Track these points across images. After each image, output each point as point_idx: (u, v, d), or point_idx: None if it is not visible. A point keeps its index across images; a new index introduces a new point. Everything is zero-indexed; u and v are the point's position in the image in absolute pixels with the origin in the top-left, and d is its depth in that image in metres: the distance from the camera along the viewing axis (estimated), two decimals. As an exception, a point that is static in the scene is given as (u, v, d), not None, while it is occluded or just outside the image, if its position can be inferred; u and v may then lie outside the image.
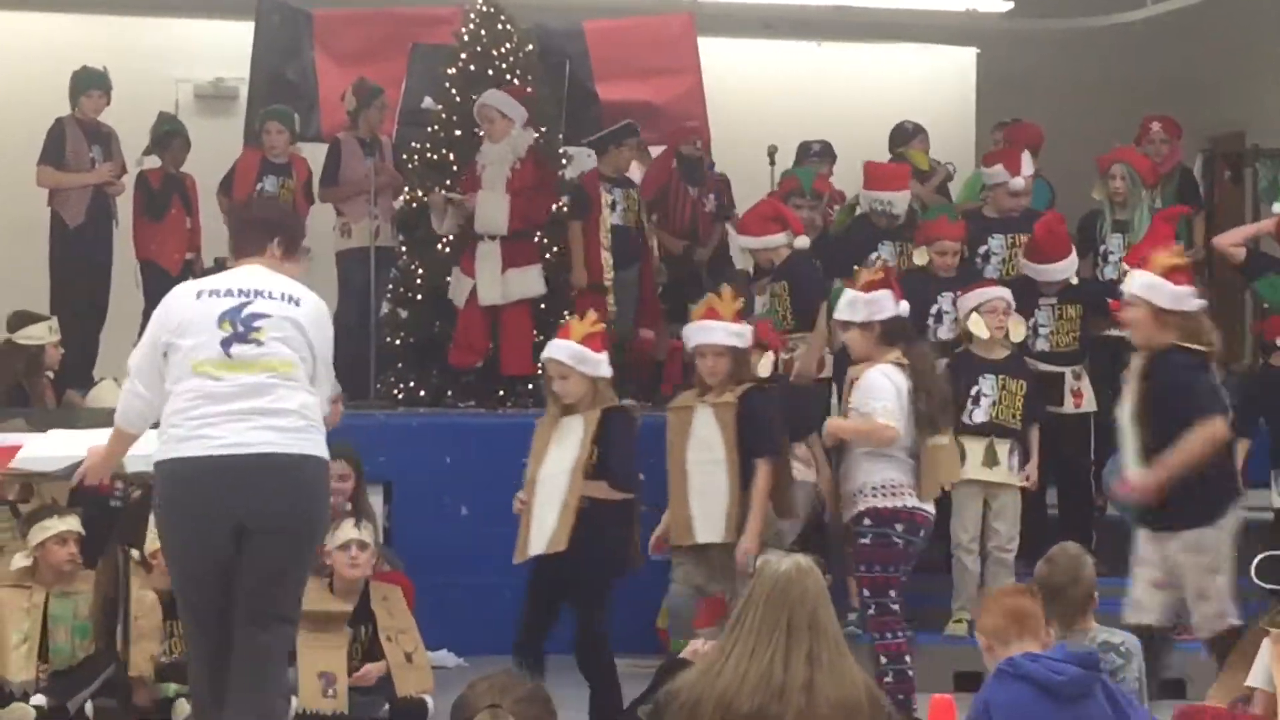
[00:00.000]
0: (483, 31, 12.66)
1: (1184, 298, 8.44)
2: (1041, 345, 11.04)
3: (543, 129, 12.51)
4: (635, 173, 13.21)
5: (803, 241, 11.29)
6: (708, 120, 13.69)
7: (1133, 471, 8.41)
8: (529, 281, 12.09)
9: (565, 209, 12.36)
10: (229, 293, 7.03)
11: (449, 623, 9.85)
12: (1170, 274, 8.46)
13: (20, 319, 10.96)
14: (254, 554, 6.81)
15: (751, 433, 9.40)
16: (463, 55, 12.62)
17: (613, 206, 12.62)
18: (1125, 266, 10.90)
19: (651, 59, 13.82)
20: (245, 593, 6.83)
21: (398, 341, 12.51)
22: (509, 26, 12.74)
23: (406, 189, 12.60)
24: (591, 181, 12.62)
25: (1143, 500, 8.40)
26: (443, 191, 12.14)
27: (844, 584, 10.41)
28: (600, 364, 9.14)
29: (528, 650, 8.93)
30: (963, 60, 16.93)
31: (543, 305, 12.16)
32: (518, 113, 12.11)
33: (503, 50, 12.62)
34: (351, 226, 12.97)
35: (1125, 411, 8.50)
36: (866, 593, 9.38)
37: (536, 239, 12.21)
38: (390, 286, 12.67)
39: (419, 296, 12.40)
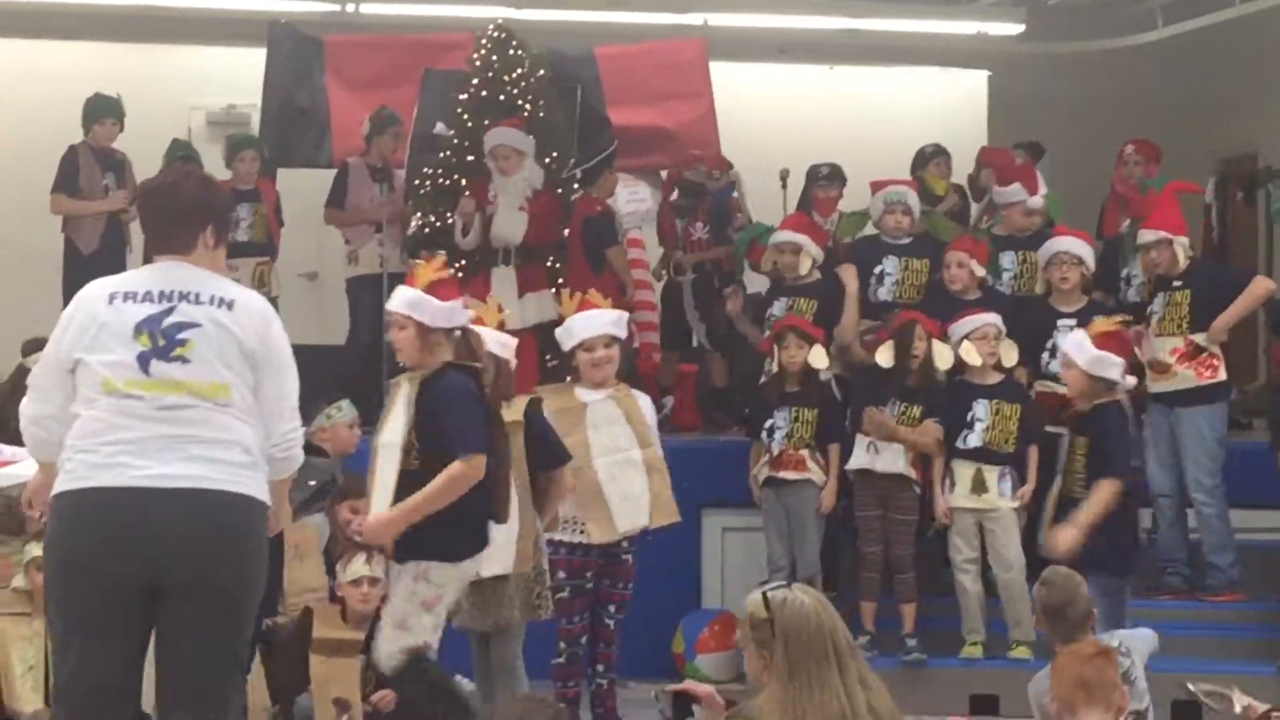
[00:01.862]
0: (495, 57, 12.66)
1: (450, 313, 7.68)
2: (1058, 368, 10.98)
3: (554, 154, 12.52)
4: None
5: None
6: (719, 145, 13.69)
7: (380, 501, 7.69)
8: (545, 306, 12.10)
9: (600, 234, 12.52)
10: (148, 297, 5.89)
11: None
12: (433, 289, 7.70)
13: (35, 345, 10.95)
14: (172, 624, 5.70)
15: (542, 447, 8.59)
16: (475, 81, 12.62)
17: None
18: (1146, 235, 10.87)
19: (664, 84, 13.80)
20: (166, 674, 5.74)
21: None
22: (521, 52, 12.73)
23: (418, 215, 12.61)
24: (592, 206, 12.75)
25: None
26: (468, 195, 12.14)
27: (856, 608, 10.42)
28: None
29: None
30: (974, 83, 16.93)
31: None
32: (528, 144, 12.15)
33: (514, 76, 12.61)
34: (358, 253, 12.99)
35: (392, 432, 7.71)
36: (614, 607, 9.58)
37: (549, 263, 12.26)
38: (401, 312, 12.68)
39: (430, 322, 12.39)
